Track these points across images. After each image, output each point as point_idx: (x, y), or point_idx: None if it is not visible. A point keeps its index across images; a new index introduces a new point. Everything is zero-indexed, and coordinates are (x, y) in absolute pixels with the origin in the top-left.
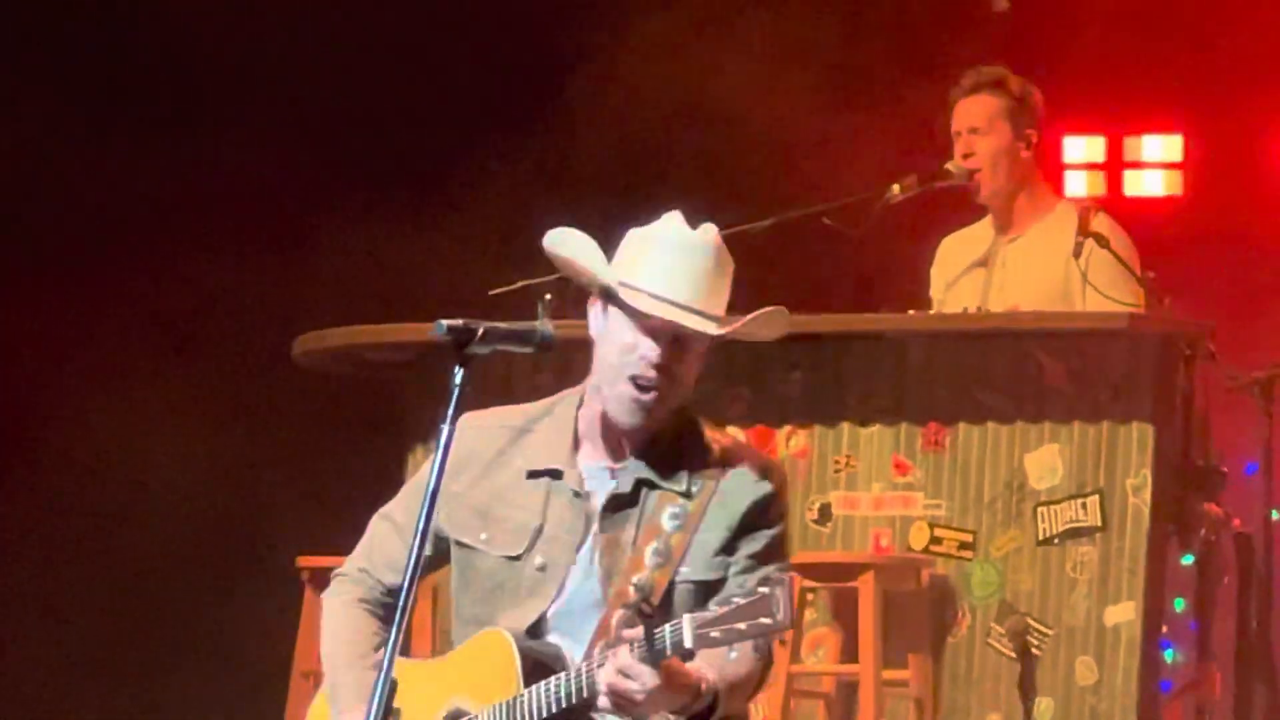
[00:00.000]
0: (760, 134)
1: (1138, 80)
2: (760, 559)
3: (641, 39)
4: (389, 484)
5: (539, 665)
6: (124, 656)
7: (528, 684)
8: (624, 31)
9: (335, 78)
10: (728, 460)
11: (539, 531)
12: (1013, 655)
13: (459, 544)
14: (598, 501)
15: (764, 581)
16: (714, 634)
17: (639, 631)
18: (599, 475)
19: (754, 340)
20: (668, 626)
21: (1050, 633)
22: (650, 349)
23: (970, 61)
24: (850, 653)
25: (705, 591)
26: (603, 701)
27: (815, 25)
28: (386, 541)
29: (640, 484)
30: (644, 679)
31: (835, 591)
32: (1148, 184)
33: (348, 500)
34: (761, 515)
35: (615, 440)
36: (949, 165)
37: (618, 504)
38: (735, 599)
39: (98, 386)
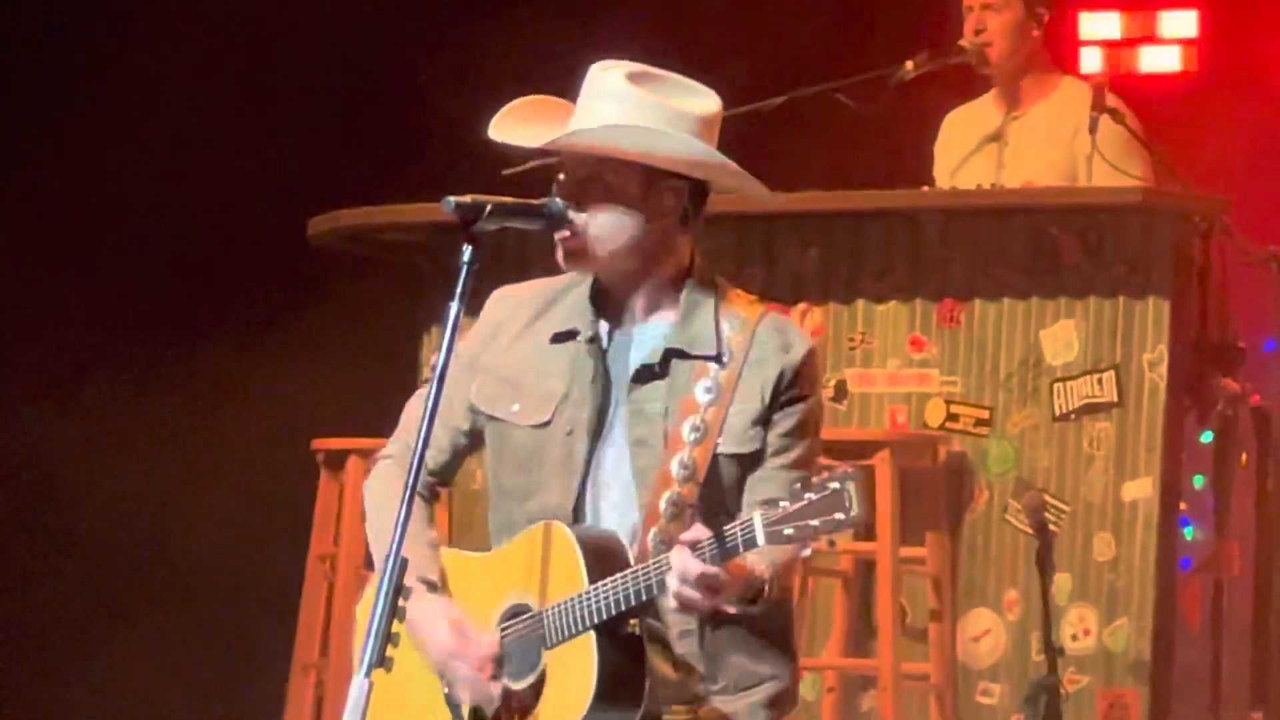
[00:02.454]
0: (775, 9)
1: None
2: (796, 434)
3: None
4: (404, 366)
5: (601, 560)
6: (147, 540)
7: (592, 579)
8: None
9: None
10: (756, 327)
11: (565, 397)
12: (1030, 532)
13: (491, 418)
14: (617, 364)
15: (836, 476)
16: (786, 531)
17: (706, 531)
18: (616, 336)
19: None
20: (738, 525)
21: (1068, 509)
22: (561, 188)
23: None
24: (867, 530)
25: (744, 463)
26: (670, 602)
27: None
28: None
29: (669, 354)
30: (716, 581)
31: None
32: (1163, 60)
33: (362, 382)
34: (791, 386)
35: (622, 301)
36: (962, 41)
37: (647, 375)
38: (807, 494)
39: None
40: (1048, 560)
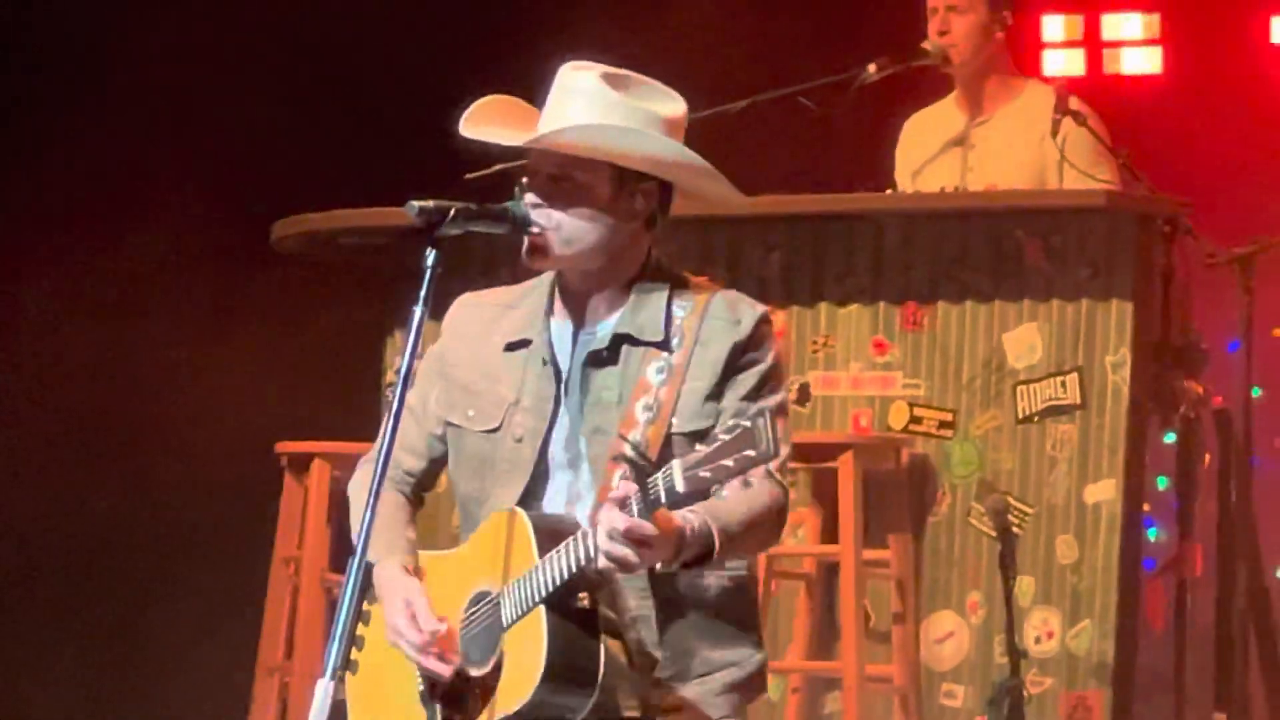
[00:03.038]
0: (737, 14)
1: None
2: (751, 398)
3: None
4: (368, 370)
5: (553, 536)
6: (101, 544)
7: (543, 556)
8: None
9: None
10: (705, 307)
11: (515, 404)
12: (993, 534)
13: (449, 424)
14: (569, 364)
15: (745, 415)
16: (703, 474)
17: (631, 486)
18: (568, 339)
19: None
20: (659, 474)
21: (1031, 511)
22: (529, 195)
23: None
24: (831, 533)
25: (697, 440)
26: (603, 562)
27: None
28: (402, 424)
29: (619, 339)
30: (641, 533)
31: (815, 472)
32: (1126, 62)
33: (326, 386)
34: (742, 355)
35: (580, 302)
36: (925, 44)
37: (598, 360)
38: (719, 435)
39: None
40: (1011, 562)
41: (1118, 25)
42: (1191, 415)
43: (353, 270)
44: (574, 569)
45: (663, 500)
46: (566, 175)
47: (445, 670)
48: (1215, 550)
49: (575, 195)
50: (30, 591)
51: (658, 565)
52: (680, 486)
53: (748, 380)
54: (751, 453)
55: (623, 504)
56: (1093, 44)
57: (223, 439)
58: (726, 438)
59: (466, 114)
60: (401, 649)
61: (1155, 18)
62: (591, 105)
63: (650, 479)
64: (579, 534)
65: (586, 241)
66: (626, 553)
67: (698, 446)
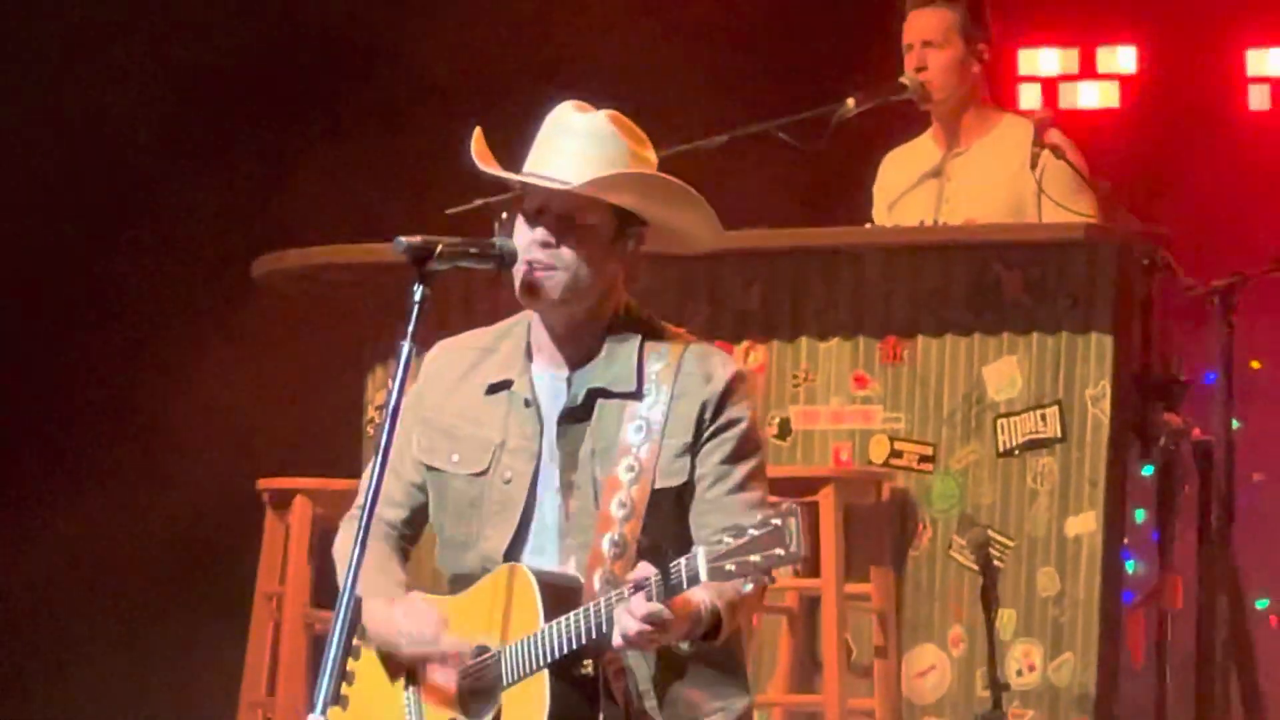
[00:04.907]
0: (712, 49)
1: None
2: (732, 459)
3: None
4: (349, 406)
5: (559, 600)
6: (81, 577)
7: (549, 618)
8: None
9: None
10: (679, 361)
11: (502, 445)
12: (974, 567)
13: (430, 469)
14: (549, 410)
15: (755, 501)
16: (728, 566)
17: (651, 569)
18: (549, 383)
19: (685, 238)
20: (682, 561)
21: (1012, 544)
22: (537, 231)
23: None
24: (812, 567)
25: (677, 495)
26: (617, 640)
27: None
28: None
29: (592, 394)
30: (660, 619)
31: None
32: (1102, 95)
33: (307, 422)
34: (718, 414)
35: (559, 345)
36: (903, 79)
37: (572, 416)
38: (750, 530)
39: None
40: (992, 596)
41: (1093, 58)
42: (1171, 447)
43: (333, 306)
44: (584, 639)
45: (684, 587)
46: (577, 216)
47: (465, 647)
48: (1195, 582)
49: (585, 236)
50: (8, 625)
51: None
52: (704, 577)
53: (727, 444)
54: (780, 552)
55: (640, 585)
56: (1068, 77)
57: (204, 474)
58: (756, 533)
59: (475, 150)
60: (403, 648)
61: (1131, 50)
62: (603, 150)
63: (673, 565)
64: (592, 606)
65: (589, 283)
66: (646, 638)
67: (724, 538)
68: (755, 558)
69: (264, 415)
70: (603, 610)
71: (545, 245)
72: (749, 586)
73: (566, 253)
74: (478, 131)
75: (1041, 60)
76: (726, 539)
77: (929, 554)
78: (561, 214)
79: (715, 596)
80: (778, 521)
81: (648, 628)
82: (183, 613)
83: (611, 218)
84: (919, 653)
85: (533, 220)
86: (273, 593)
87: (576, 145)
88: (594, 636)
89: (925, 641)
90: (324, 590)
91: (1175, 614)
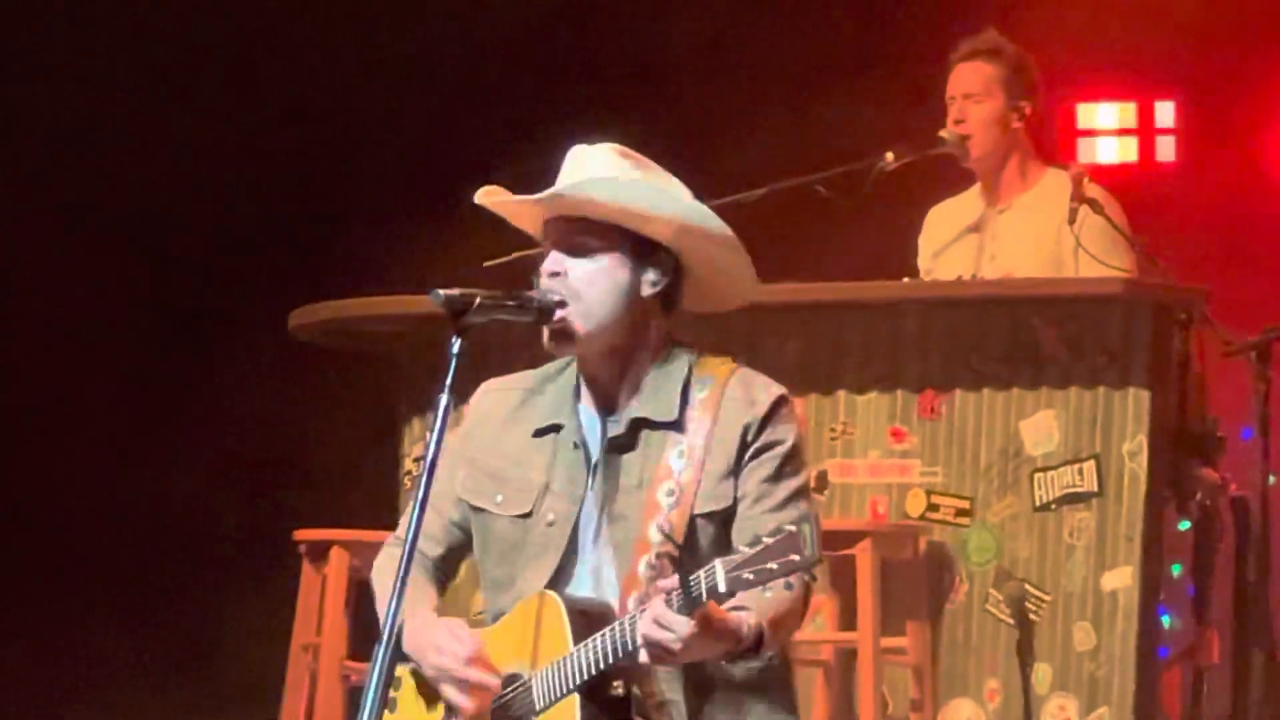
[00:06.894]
0: (755, 103)
1: (1149, 47)
2: (774, 478)
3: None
4: (385, 458)
5: (588, 623)
6: (119, 639)
7: (578, 643)
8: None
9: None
10: (723, 387)
11: (545, 488)
12: (1011, 621)
13: (475, 509)
14: (596, 449)
15: (791, 519)
16: (746, 575)
17: (673, 581)
18: (595, 425)
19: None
20: (701, 572)
21: (1048, 599)
22: (545, 262)
23: (972, 30)
24: (848, 620)
25: (719, 520)
26: (642, 655)
27: None
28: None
29: (636, 424)
30: (679, 628)
31: (833, 559)
32: (1135, 150)
33: (344, 474)
34: (759, 434)
35: (603, 385)
36: (942, 132)
37: (618, 447)
38: (764, 539)
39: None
40: (1028, 650)
41: (1143, 112)
42: (1208, 503)
43: (369, 358)
44: (611, 659)
45: (704, 599)
46: (583, 243)
47: (493, 683)
48: (1231, 637)
49: (590, 262)
50: (43, 675)
51: (706, 658)
52: (722, 587)
53: (769, 463)
54: (796, 558)
55: (668, 596)
56: (1116, 131)
57: (241, 526)
58: (770, 541)
59: (480, 194)
60: (446, 667)
61: (1170, 105)
62: (608, 171)
63: (692, 576)
64: (617, 624)
65: (605, 313)
66: (666, 637)
67: (739, 547)
68: (772, 565)
69: (300, 467)
70: (628, 627)
71: (554, 275)
72: (769, 593)
73: (573, 283)
74: (481, 191)
75: (1099, 114)
76: (742, 548)
77: (965, 608)
78: (567, 244)
79: (757, 615)
80: (792, 528)
81: (663, 633)
82: (220, 662)
83: (623, 244)
84: (954, 707)
85: (546, 248)
86: (308, 644)
87: (570, 167)
88: (621, 654)
89: (961, 695)
90: (360, 642)
91: (1211, 669)
